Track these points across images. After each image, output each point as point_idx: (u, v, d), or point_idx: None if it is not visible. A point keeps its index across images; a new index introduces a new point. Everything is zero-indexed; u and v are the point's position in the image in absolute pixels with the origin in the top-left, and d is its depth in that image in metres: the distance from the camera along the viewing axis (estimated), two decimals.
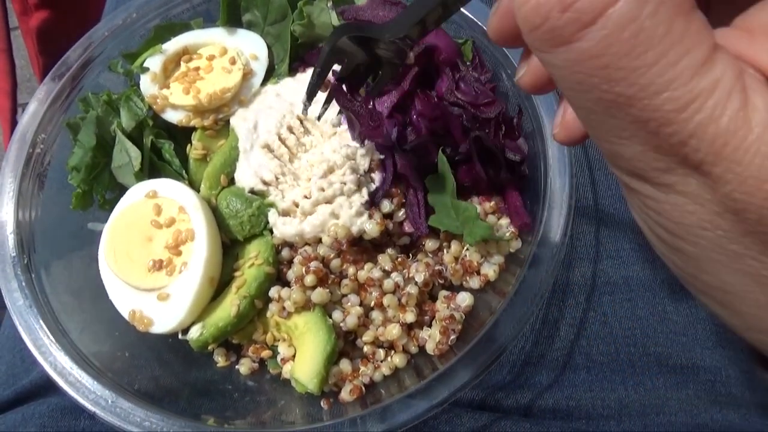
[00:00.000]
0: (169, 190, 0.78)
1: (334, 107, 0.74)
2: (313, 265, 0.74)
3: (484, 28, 0.81)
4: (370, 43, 0.60)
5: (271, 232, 0.79)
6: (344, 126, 0.80)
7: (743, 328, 0.36)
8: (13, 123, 1.44)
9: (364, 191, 0.77)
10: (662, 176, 0.32)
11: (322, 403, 0.72)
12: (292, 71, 0.89)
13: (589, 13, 0.27)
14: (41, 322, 0.70)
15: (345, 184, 0.76)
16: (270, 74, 0.89)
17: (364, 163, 0.78)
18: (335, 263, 0.76)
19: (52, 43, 1.53)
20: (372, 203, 0.77)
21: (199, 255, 0.74)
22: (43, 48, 1.55)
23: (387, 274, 0.76)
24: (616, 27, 0.27)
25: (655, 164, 0.31)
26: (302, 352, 0.73)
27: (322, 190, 0.76)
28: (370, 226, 0.75)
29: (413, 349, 0.75)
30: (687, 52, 0.28)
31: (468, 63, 0.83)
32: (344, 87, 0.69)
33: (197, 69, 0.86)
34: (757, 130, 0.28)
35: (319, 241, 0.76)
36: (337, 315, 0.74)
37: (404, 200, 0.78)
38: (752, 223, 0.30)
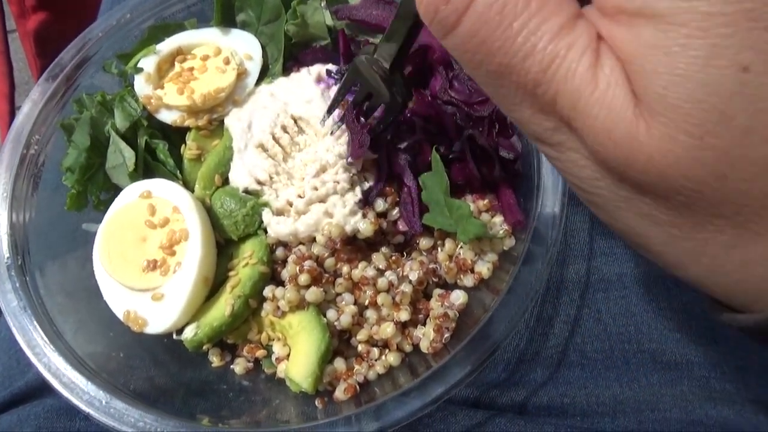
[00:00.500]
0: (164, 190, 0.78)
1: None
2: (307, 264, 0.74)
3: None
4: (381, 74, 0.69)
5: (266, 231, 0.79)
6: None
7: (667, 268, 0.38)
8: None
9: (358, 190, 0.77)
10: (553, 136, 0.35)
11: (316, 402, 0.72)
12: (286, 71, 0.88)
13: (462, 3, 0.33)
14: (35, 323, 0.70)
15: (338, 182, 0.76)
16: (264, 74, 0.89)
17: (357, 162, 0.78)
18: (329, 262, 0.76)
19: (49, 46, 1.53)
20: (366, 202, 0.77)
21: (193, 255, 0.74)
22: (40, 50, 1.56)
23: (381, 272, 0.76)
24: (484, 8, 0.33)
25: (545, 125, 0.35)
26: (297, 351, 0.73)
27: (316, 189, 0.76)
28: (364, 225, 0.75)
29: (407, 348, 0.75)
30: (545, 20, 0.32)
31: None
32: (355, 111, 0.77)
33: (191, 69, 0.86)
34: (601, 86, 0.32)
35: (313, 240, 0.76)
36: (331, 314, 0.74)
37: (398, 199, 0.78)
38: (619, 173, 0.33)
